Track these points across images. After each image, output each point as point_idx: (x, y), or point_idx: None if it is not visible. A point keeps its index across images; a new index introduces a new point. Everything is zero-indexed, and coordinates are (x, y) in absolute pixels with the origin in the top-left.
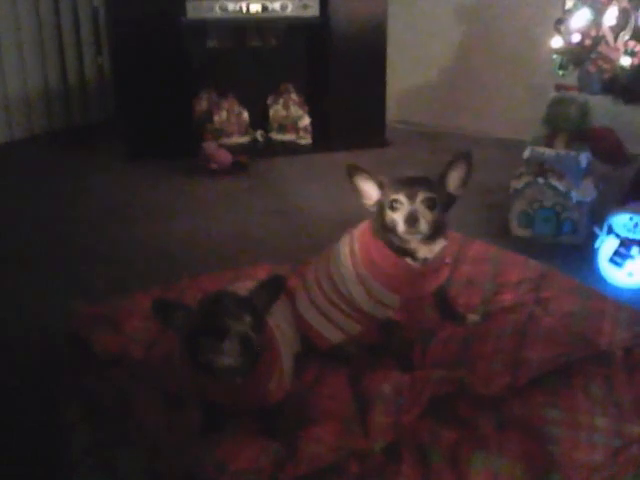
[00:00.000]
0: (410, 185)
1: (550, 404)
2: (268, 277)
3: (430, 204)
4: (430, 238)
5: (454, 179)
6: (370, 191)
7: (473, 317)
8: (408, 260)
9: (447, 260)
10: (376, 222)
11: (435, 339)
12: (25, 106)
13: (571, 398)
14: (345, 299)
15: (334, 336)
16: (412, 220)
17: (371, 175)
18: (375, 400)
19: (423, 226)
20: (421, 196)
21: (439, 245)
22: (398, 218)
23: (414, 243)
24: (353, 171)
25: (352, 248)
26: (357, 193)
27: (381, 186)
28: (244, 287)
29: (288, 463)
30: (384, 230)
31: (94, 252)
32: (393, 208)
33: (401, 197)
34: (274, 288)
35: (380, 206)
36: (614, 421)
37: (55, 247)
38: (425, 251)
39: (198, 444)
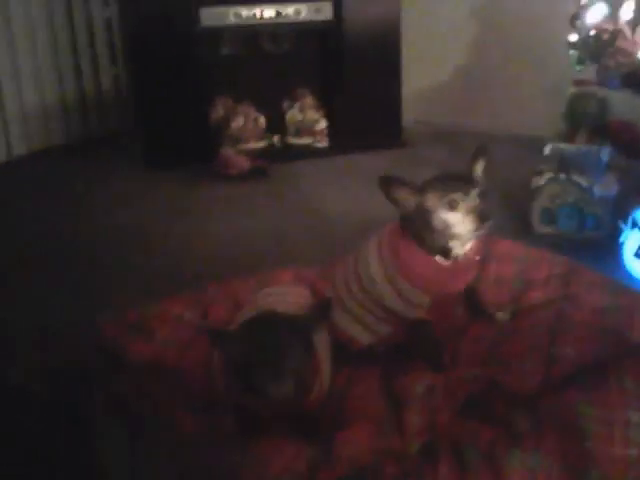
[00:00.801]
0: (458, 182)
1: (584, 400)
2: (317, 301)
3: (482, 197)
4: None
5: (478, 173)
6: (407, 197)
7: (503, 315)
8: (438, 258)
9: (476, 257)
10: (416, 226)
11: (466, 338)
12: (42, 118)
13: (605, 393)
14: (374, 300)
15: (364, 337)
16: (483, 216)
17: (405, 181)
18: (409, 400)
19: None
20: (474, 192)
21: (470, 241)
22: (458, 217)
23: (457, 241)
24: (386, 182)
25: (380, 249)
26: (393, 203)
27: (419, 190)
28: (284, 299)
29: (324, 466)
30: (427, 233)
31: (115, 260)
32: (451, 208)
33: (458, 195)
34: (322, 312)
35: (424, 210)
36: None
37: (71, 257)
38: (459, 248)
39: (233, 448)
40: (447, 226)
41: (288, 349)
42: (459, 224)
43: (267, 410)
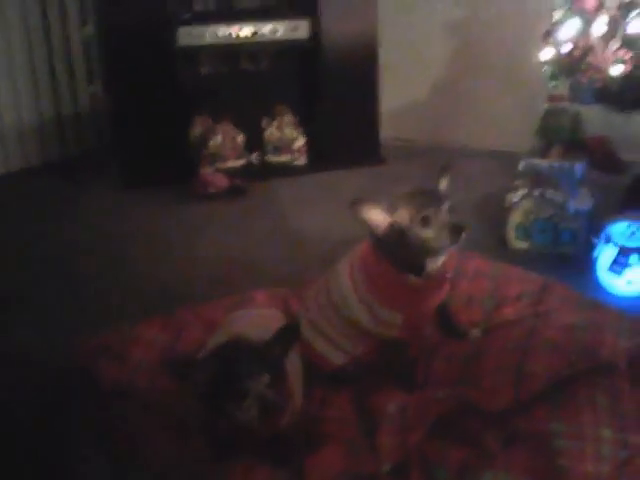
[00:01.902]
0: (429, 198)
1: (555, 417)
2: (283, 326)
3: (452, 211)
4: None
5: (444, 189)
6: (379, 218)
7: (475, 333)
8: (411, 277)
9: (448, 275)
10: (389, 245)
11: (438, 356)
12: (20, 138)
13: (576, 411)
14: (347, 320)
15: (337, 358)
16: (457, 229)
17: (376, 202)
18: (381, 421)
19: (463, 234)
20: (445, 206)
21: (442, 258)
22: (432, 232)
23: (432, 257)
24: (357, 205)
25: (352, 268)
26: (366, 224)
27: (389, 210)
28: (257, 321)
29: None
30: (401, 251)
31: (93, 281)
32: (425, 224)
33: (431, 211)
34: (290, 336)
35: (397, 228)
36: (620, 432)
37: (52, 278)
38: (432, 265)
39: (207, 472)
40: (422, 242)
41: (254, 375)
42: (434, 239)
43: (239, 434)
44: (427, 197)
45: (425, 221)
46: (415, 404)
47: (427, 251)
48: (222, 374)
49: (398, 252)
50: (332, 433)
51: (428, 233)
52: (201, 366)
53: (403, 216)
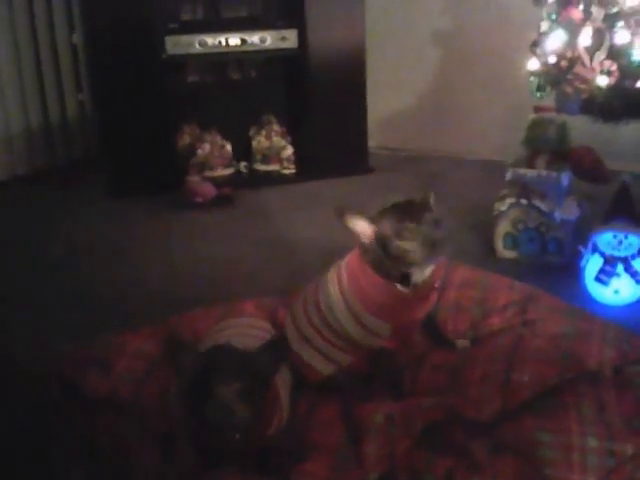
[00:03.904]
0: (412, 210)
1: (542, 427)
2: (271, 340)
3: (435, 224)
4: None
5: (431, 201)
6: (364, 228)
7: (462, 342)
8: (399, 287)
9: (436, 284)
10: (375, 254)
11: (425, 366)
12: (7, 147)
13: (562, 420)
14: (335, 330)
15: (325, 368)
16: (437, 243)
17: (360, 212)
18: (368, 430)
19: (443, 248)
20: (428, 219)
21: (429, 268)
22: (412, 244)
23: (416, 268)
24: (342, 213)
25: (340, 278)
26: (351, 232)
27: (374, 220)
28: (244, 331)
29: None
30: (386, 260)
31: (81, 290)
32: (403, 237)
33: (411, 224)
34: (281, 351)
35: (380, 239)
36: (606, 441)
37: (40, 287)
38: (418, 275)
39: None
40: (402, 254)
41: (226, 381)
42: (413, 252)
43: (226, 443)
44: (411, 209)
45: (405, 233)
46: (402, 413)
47: (408, 263)
48: (199, 374)
49: (383, 262)
50: (319, 442)
51: (408, 245)
52: (194, 357)
53: (385, 227)
